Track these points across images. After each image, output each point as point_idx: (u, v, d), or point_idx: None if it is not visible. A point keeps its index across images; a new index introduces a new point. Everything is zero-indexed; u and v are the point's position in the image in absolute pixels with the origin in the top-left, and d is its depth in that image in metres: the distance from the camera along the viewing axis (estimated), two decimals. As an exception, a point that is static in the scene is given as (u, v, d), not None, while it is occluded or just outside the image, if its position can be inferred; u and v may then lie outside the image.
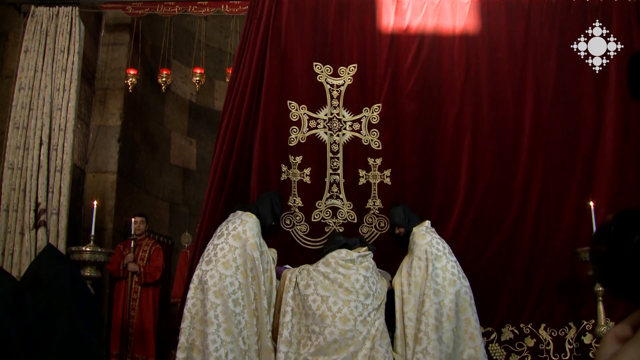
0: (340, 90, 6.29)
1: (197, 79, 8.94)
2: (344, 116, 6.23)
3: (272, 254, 5.52)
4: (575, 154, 6.26)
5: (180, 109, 10.79)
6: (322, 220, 6.00)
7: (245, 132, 6.05)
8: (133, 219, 7.57)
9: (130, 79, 8.42)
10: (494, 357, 5.84)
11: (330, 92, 6.28)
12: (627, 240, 0.79)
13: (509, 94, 6.38)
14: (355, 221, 6.02)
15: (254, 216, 5.43)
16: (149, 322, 7.41)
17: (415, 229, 5.70)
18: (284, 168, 6.04)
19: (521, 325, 5.92)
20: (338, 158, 6.15)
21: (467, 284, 5.41)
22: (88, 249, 5.64)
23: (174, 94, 10.53)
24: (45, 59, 6.88)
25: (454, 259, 5.52)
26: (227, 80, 9.07)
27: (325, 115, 6.22)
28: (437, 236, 5.63)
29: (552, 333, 5.91)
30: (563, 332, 5.92)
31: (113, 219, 8.33)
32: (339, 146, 6.18)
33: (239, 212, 5.47)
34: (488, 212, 6.11)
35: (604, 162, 6.21)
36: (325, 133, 6.16)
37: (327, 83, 6.30)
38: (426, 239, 5.58)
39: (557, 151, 6.25)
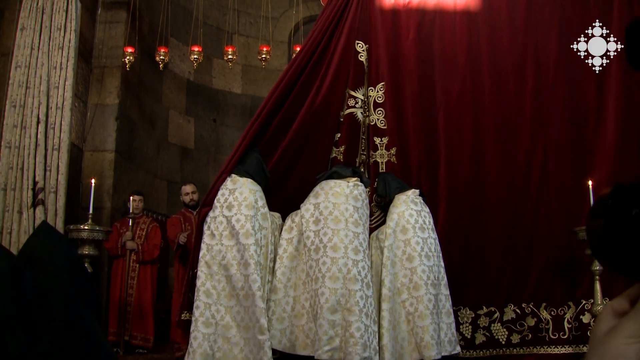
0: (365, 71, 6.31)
1: (195, 57, 8.89)
2: (368, 98, 6.23)
3: (277, 220, 5.52)
4: (576, 132, 6.24)
5: (178, 87, 10.75)
6: None
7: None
8: (131, 197, 7.58)
9: (128, 57, 8.37)
10: (496, 337, 5.84)
11: (366, 73, 6.29)
12: (624, 213, 0.78)
13: (510, 72, 6.36)
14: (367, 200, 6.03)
15: (256, 184, 5.38)
16: (148, 300, 7.44)
17: (396, 196, 5.66)
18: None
19: (523, 305, 5.92)
20: (364, 139, 6.14)
21: (430, 263, 5.31)
22: (86, 227, 5.64)
23: (171, 72, 10.49)
24: (41, 37, 6.83)
25: (426, 235, 5.41)
26: (225, 58, 9.03)
27: (362, 95, 6.20)
28: (417, 208, 5.52)
29: (552, 312, 5.92)
30: (562, 312, 5.93)
31: (111, 197, 8.33)
32: (364, 127, 6.19)
33: (241, 180, 5.36)
34: (490, 190, 6.11)
35: (605, 141, 6.18)
36: (362, 113, 6.15)
37: (365, 62, 6.29)
38: (399, 208, 5.52)
39: (558, 129, 6.23)
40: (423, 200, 5.68)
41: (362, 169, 6.05)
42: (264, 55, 9.02)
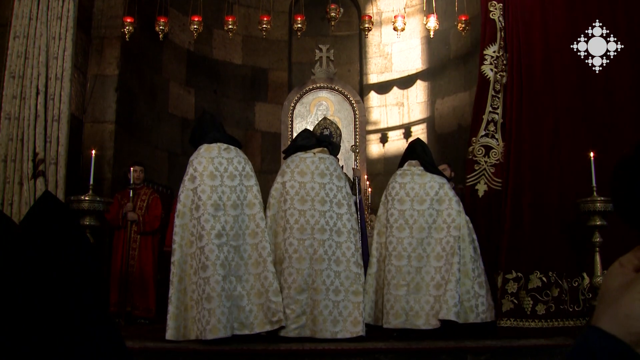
0: (503, 32, 6.30)
1: (195, 27, 8.82)
2: (505, 58, 6.20)
3: None
4: (585, 100, 6.18)
5: (178, 58, 10.69)
6: (473, 158, 5.94)
7: None
8: (132, 168, 7.57)
9: (127, 28, 8.30)
10: (522, 306, 5.66)
11: (501, 31, 6.23)
12: None
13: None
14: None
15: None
16: (149, 271, 7.46)
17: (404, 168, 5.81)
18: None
19: (550, 274, 5.74)
20: (499, 97, 6.10)
21: (422, 235, 5.47)
22: (87, 198, 5.63)
23: (171, 43, 10.42)
24: (39, 7, 6.76)
25: (406, 207, 5.53)
26: (226, 28, 8.94)
27: (494, 52, 6.17)
28: (403, 180, 5.65)
29: (569, 283, 5.78)
30: (576, 283, 5.80)
31: (112, 168, 8.33)
32: (500, 85, 6.14)
33: (232, 148, 5.40)
34: (512, 157, 6.08)
35: (613, 112, 6.10)
36: (491, 70, 6.12)
37: (499, 21, 6.25)
38: (390, 181, 5.78)
39: (568, 98, 6.17)
40: (429, 169, 5.70)
41: (493, 127, 6.03)
42: (264, 26, 8.94)
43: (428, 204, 5.52)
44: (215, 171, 5.19)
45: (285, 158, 5.74)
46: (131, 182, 7.55)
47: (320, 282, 5.13)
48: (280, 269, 5.22)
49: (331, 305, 5.10)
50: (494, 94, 6.11)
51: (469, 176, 5.95)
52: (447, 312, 5.19)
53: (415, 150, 5.89)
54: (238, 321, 4.98)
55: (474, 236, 5.58)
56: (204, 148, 5.31)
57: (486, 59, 6.14)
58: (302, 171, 5.41)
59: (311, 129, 8.33)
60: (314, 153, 5.53)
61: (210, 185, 5.14)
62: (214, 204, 5.09)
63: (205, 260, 4.92)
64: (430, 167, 5.75)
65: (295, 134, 10.23)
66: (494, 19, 6.25)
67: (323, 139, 5.80)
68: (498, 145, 6.01)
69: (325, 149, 5.61)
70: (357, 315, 5.12)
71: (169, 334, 4.95)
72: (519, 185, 5.90)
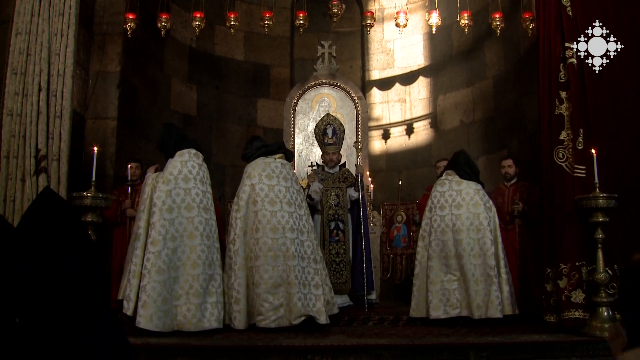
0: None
1: (197, 23, 8.81)
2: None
3: None
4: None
5: (180, 54, 10.68)
6: (586, 148, 5.91)
7: None
8: (129, 165, 7.57)
9: (129, 24, 8.29)
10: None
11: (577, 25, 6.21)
12: None
13: None
14: None
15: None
16: (150, 267, 7.44)
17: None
18: (557, 103, 6.06)
19: (615, 266, 5.59)
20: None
21: (460, 237, 6.20)
22: (89, 195, 5.64)
23: (173, 39, 10.41)
24: (41, 3, 6.76)
25: (445, 212, 6.33)
26: (227, 25, 8.93)
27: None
28: (442, 189, 6.48)
29: None
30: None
31: (114, 165, 8.33)
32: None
33: (199, 154, 5.86)
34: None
35: (618, 109, 6.06)
36: (581, 64, 6.06)
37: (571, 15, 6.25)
38: (437, 188, 6.60)
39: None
40: (464, 176, 6.48)
41: None
42: (266, 22, 8.92)
43: (464, 209, 6.27)
44: (189, 174, 5.62)
45: (247, 161, 6.14)
46: (129, 178, 7.55)
47: (294, 277, 5.58)
48: (254, 265, 5.64)
49: (303, 297, 5.57)
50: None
51: (582, 167, 5.87)
52: (494, 311, 6.00)
53: (454, 161, 6.72)
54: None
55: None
56: (178, 153, 5.77)
57: (573, 54, 6.07)
58: (269, 175, 5.90)
59: (313, 125, 8.57)
60: (275, 158, 6.05)
61: (184, 188, 5.56)
62: (195, 203, 5.62)
63: (187, 259, 5.45)
64: (467, 175, 6.48)
65: (297, 130, 10.27)
66: (570, 15, 6.19)
67: (281, 145, 6.37)
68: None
69: (283, 154, 6.16)
70: (320, 306, 5.60)
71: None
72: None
